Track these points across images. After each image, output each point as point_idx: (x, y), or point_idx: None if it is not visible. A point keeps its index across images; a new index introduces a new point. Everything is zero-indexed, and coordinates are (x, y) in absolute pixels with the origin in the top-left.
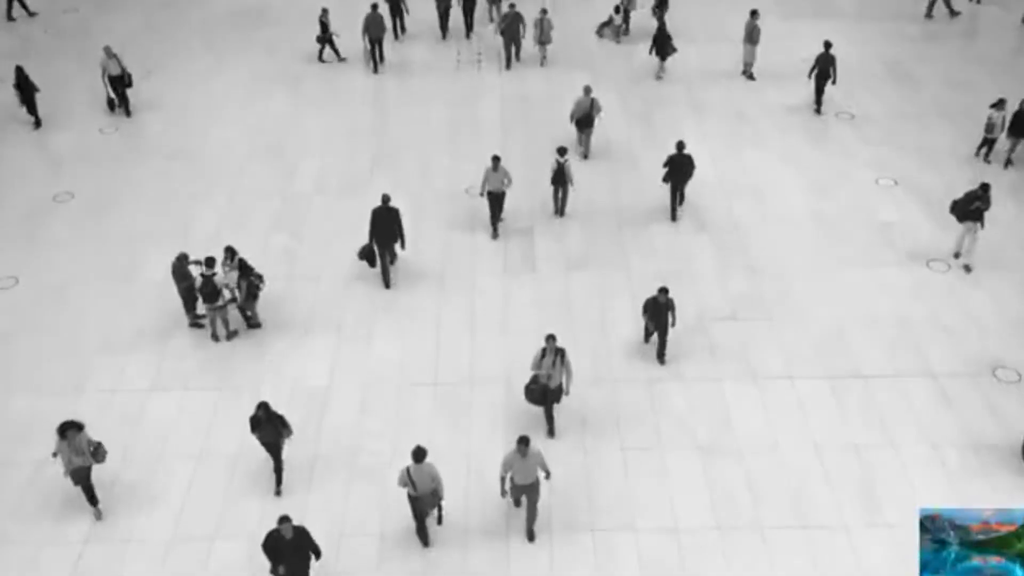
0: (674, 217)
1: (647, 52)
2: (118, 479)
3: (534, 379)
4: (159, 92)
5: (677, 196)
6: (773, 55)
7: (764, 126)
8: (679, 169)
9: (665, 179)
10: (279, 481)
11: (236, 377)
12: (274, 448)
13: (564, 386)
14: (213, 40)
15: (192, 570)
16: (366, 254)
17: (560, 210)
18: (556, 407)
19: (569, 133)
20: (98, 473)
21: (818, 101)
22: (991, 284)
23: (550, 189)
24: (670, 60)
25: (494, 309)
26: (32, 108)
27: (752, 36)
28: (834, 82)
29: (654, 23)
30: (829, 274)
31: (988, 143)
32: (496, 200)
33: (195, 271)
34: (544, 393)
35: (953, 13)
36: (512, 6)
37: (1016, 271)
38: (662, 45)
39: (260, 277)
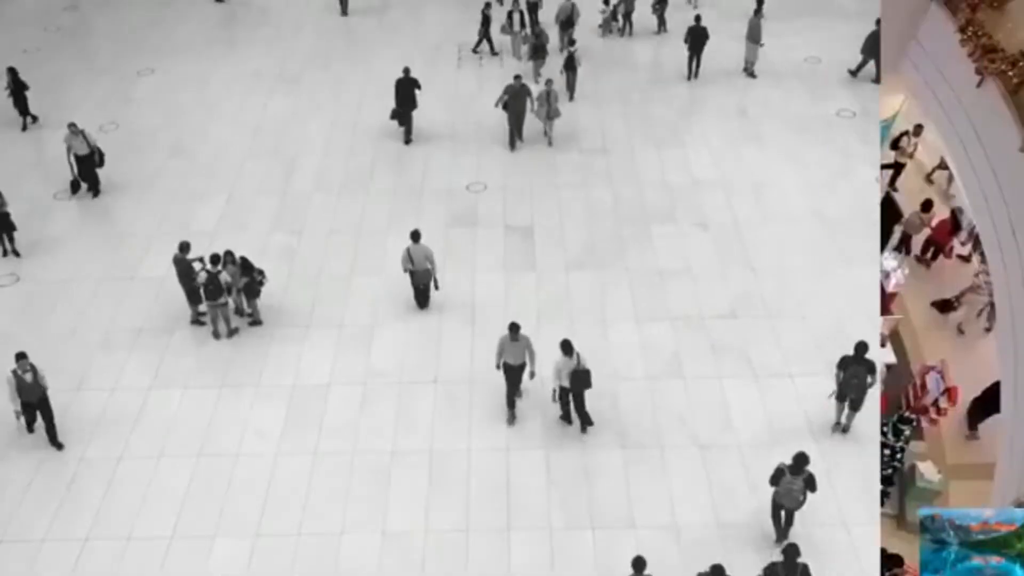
0: (695, 75)
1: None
2: (118, 477)
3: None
4: (159, 90)
5: (694, 59)
6: (774, 53)
7: (765, 124)
8: (696, 37)
9: (686, 44)
10: None
11: (237, 375)
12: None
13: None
14: (212, 37)
15: (192, 569)
16: (395, 115)
17: (571, 94)
18: None
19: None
20: (96, 472)
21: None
22: None
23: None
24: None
25: (495, 305)
26: (24, 109)
27: (754, 34)
28: None
29: (655, 21)
30: (829, 272)
31: None
32: (514, 374)
33: (197, 267)
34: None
35: None
36: (517, 77)
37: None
38: None
39: (262, 272)
